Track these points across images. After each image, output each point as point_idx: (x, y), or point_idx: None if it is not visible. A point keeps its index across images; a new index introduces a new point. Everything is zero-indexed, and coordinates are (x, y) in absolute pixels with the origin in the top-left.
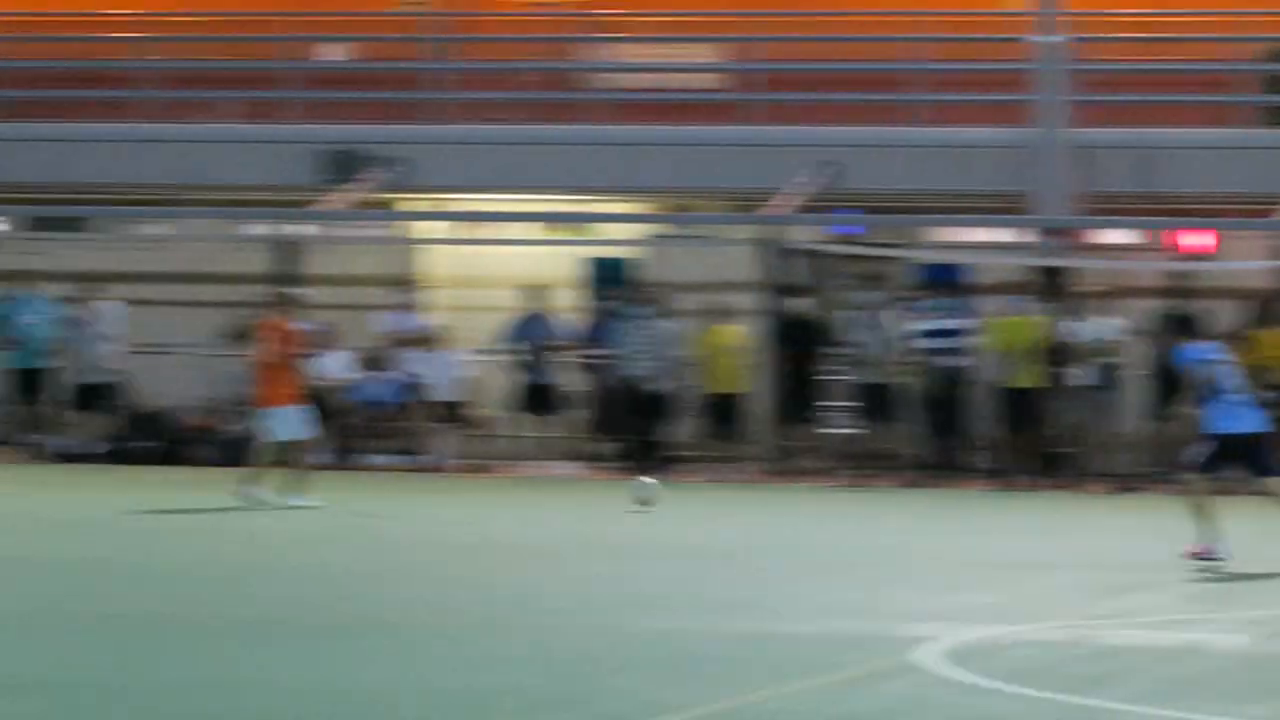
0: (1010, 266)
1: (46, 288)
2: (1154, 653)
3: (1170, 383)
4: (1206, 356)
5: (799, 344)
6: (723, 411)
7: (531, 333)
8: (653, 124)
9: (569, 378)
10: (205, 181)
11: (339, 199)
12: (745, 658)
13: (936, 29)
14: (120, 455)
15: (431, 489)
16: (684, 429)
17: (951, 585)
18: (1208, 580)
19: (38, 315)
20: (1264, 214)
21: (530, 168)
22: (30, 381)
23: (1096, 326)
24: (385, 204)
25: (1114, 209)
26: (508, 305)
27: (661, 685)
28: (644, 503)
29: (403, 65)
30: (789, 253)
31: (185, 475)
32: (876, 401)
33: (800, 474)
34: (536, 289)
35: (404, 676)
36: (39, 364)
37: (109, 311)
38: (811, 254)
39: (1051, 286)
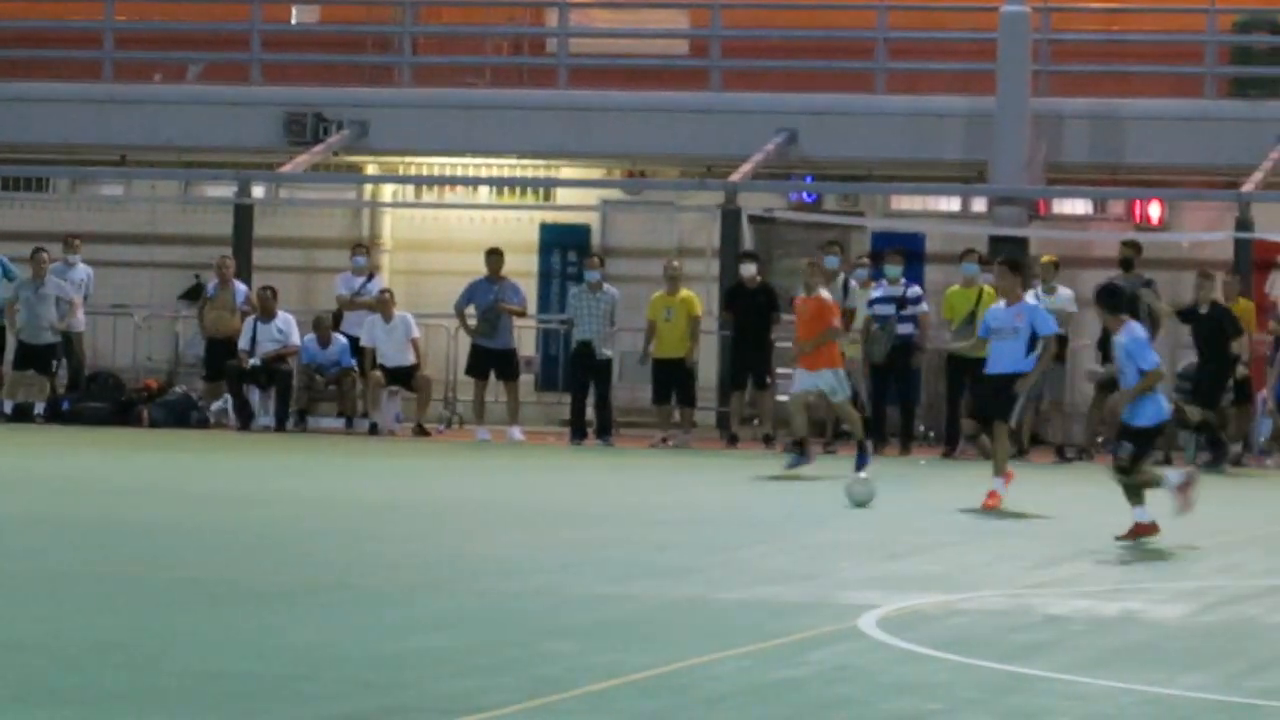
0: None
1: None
2: (1091, 622)
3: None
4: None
5: (747, 311)
6: (669, 376)
7: (484, 297)
8: (612, 89)
9: (521, 343)
10: (165, 142)
11: (299, 161)
12: (680, 623)
13: None
14: (66, 416)
15: (375, 452)
16: (634, 394)
17: (892, 554)
18: (1148, 551)
19: None
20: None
21: (488, 132)
22: None
23: (1053, 297)
24: (343, 167)
25: (1074, 179)
26: (462, 270)
27: (598, 650)
28: (861, 503)
29: (366, 28)
30: (746, 219)
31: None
32: None
33: (749, 440)
34: (491, 253)
35: (336, 638)
36: None
37: (69, 272)
38: (763, 220)
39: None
